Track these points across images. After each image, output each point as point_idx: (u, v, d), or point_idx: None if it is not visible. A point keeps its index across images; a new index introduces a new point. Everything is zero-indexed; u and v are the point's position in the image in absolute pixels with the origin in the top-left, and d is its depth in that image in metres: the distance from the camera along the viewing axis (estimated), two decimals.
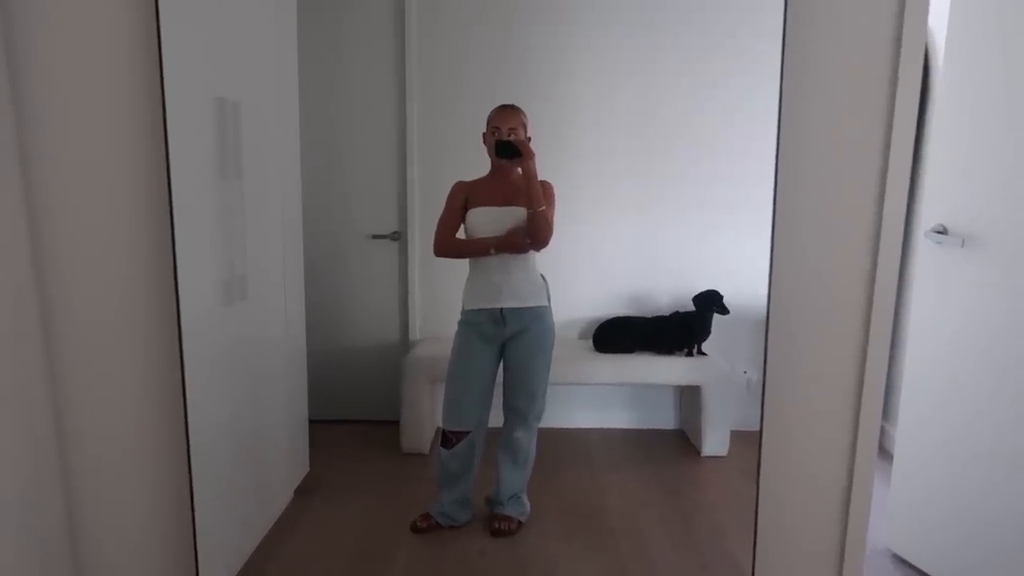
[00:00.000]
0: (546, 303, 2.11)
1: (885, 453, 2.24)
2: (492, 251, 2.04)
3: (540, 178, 2.00)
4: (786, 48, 1.44)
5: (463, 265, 2.10)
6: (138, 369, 1.54)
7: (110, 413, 1.56)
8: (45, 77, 1.43)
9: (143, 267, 1.50)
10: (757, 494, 1.60)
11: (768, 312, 1.54)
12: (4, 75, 1.41)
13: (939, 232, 2.06)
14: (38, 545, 1.51)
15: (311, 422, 2.29)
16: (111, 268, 1.50)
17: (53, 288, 1.50)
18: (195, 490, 1.55)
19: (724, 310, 2.28)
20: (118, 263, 1.50)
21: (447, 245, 2.10)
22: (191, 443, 1.53)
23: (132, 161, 1.46)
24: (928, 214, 2.12)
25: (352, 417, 2.46)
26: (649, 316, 2.31)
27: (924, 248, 2.13)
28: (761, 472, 1.58)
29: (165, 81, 1.41)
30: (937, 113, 2.11)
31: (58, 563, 1.56)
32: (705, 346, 2.32)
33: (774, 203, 1.49)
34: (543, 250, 2.05)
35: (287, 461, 2.20)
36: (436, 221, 2.09)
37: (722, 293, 2.28)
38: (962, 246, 1.99)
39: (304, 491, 2.22)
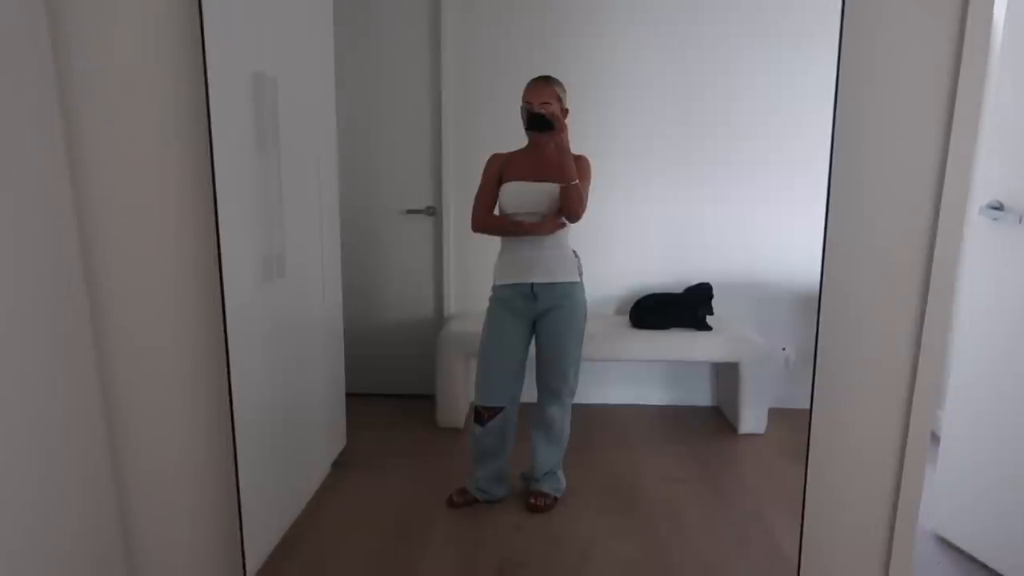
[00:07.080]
0: (577, 279, 2.08)
1: (932, 435, 2.19)
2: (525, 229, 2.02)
3: (578, 153, 1.97)
4: (845, 21, 1.38)
5: (498, 240, 2.09)
6: (184, 347, 1.55)
7: (157, 389, 1.58)
8: (89, 58, 1.42)
9: (188, 245, 1.50)
10: (805, 477, 1.57)
11: (820, 291, 1.50)
12: (48, 54, 1.41)
13: (995, 208, 1.98)
14: (90, 517, 1.55)
15: (348, 396, 2.31)
16: (156, 246, 1.51)
17: (99, 269, 1.51)
18: (239, 463, 1.57)
19: (709, 310, 2.25)
20: (163, 241, 1.50)
21: (484, 221, 2.08)
22: (235, 418, 1.55)
23: (175, 139, 1.46)
24: (983, 189, 2.04)
25: (388, 391, 2.48)
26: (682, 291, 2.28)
27: (977, 225, 2.05)
28: (810, 454, 1.56)
29: (207, 58, 1.40)
30: (994, 82, 2.02)
31: (107, 527, 1.60)
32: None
33: (829, 181, 1.44)
34: (577, 224, 2.02)
35: (325, 435, 2.22)
36: (471, 196, 2.08)
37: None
38: (1020, 222, 1.92)
39: (341, 465, 2.24)
